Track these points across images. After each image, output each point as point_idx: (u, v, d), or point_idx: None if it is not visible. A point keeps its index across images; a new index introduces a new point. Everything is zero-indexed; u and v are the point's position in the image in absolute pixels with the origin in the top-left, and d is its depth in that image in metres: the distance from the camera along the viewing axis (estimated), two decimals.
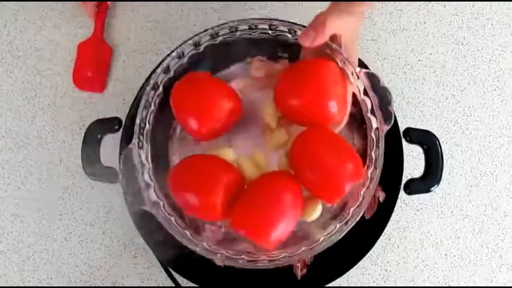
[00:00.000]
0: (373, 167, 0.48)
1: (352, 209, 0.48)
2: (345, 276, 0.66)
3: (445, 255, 0.75)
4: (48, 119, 0.77)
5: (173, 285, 0.70)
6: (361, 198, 0.48)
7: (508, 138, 0.78)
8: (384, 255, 0.74)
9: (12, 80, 0.78)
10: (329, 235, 0.47)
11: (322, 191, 0.47)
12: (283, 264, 0.46)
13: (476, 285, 0.74)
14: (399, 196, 0.67)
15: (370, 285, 0.74)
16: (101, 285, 0.73)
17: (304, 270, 0.68)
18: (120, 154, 0.49)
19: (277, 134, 0.51)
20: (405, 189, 0.67)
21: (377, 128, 0.49)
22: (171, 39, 0.78)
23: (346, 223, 0.47)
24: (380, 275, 0.74)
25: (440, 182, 0.66)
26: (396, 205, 0.67)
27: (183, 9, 0.80)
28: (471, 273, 0.74)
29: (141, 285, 0.73)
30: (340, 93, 0.48)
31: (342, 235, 0.47)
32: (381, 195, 0.68)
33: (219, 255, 0.49)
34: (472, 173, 0.77)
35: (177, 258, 0.68)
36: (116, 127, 0.67)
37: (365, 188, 0.48)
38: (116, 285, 0.73)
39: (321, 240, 0.47)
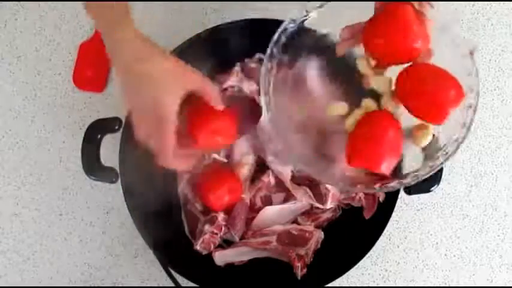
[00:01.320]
0: (470, 91, 0.54)
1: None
2: (345, 276, 0.66)
3: (445, 255, 0.75)
4: (48, 119, 0.77)
5: (173, 285, 0.70)
6: (465, 117, 0.54)
7: (508, 138, 0.78)
8: (384, 255, 0.74)
9: (12, 80, 0.78)
10: (446, 154, 0.55)
11: (429, 115, 0.54)
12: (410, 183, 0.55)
13: (476, 285, 0.74)
14: (399, 196, 0.67)
15: (370, 285, 0.74)
16: (101, 285, 0.73)
17: (304, 270, 0.68)
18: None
19: (379, 78, 0.57)
20: (405, 189, 0.67)
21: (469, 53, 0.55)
22: (171, 39, 0.78)
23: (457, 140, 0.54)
24: (380, 275, 0.74)
25: (440, 182, 0.66)
26: (396, 205, 0.67)
27: (183, 9, 0.80)
28: (471, 273, 0.74)
29: (141, 285, 0.73)
30: (419, 29, 0.54)
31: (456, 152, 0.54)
32: (381, 195, 0.68)
33: (341, 183, 0.57)
34: (472, 173, 0.77)
35: (177, 258, 0.68)
36: (116, 127, 0.67)
37: (470, 109, 0.54)
38: (116, 285, 0.73)
39: (439, 157, 0.55)
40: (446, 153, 0.55)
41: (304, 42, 0.60)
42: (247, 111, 0.70)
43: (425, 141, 0.56)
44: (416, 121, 0.55)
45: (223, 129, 0.60)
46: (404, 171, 0.57)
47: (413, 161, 0.57)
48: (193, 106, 0.57)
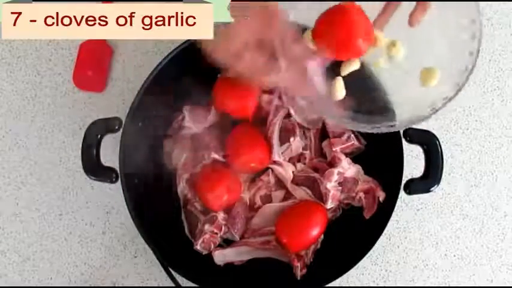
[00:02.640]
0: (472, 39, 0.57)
1: None
2: (345, 276, 0.66)
3: (445, 255, 0.75)
4: (48, 119, 0.77)
5: (173, 285, 0.70)
6: (466, 62, 0.56)
7: (508, 138, 0.78)
8: (384, 255, 0.74)
9: (12, 80, 0.78)
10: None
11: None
12: None
13: (476, 285, 0.74)
14: (399, 196, 0.67)
15: (370, 285, 0.74)
16: (101, 285, 0.73)
17: (304, 270, 0.68)
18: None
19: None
20: (405, 189, 0.67)
21: None
22: (170, 39, 0.78)
23: None
24: (380, 275, 0.74)
25: (440, 182, 0.66)
26: (396, 205, 0.67)
27: None
28: (471, 273, 0.74)
29: (141, 285, 0.73)
30: (363, 29, 0.55)
31: None
32: (381, 195, 0.68)
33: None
34: (472, 173, 0.77)
35: (177, 258, 0.68)
36: (116, 127, 0.67)
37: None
38: (116, 285, 0.73)
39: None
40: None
41: None
42: None
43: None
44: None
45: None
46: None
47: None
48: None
